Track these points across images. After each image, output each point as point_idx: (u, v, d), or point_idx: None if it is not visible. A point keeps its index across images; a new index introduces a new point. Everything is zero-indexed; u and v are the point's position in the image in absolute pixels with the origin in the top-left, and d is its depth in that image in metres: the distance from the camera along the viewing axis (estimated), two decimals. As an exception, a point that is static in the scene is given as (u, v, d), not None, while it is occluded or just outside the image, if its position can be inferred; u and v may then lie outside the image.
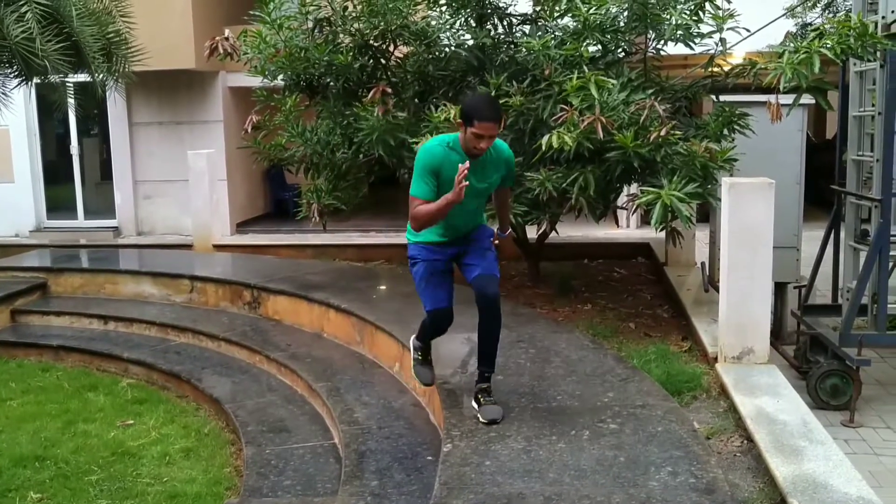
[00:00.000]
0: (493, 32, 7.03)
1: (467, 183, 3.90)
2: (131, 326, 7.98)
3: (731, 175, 6.05)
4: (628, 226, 10.90)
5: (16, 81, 9.14)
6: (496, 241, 4.55)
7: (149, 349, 7.35)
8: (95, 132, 12.45)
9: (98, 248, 10.72)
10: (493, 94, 6.13)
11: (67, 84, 9.41)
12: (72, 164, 12.18)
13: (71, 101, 9.62)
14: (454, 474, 3.72)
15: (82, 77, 9.19)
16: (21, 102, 10.99)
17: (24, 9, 7.79)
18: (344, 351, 6.58)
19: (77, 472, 5.28)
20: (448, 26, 7.09)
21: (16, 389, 6.84)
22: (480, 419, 4.30)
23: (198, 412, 6.27)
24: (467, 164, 3.92)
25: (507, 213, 4.83)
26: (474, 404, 4.44)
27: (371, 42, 7.01)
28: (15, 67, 8.59)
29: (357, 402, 5.46)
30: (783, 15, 10.24)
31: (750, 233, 5.22)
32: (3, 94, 9.32)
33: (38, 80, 9.17)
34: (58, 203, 12.23)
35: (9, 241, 11.36)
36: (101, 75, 8.87)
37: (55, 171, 12.27)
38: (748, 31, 6.32)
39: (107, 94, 9.66)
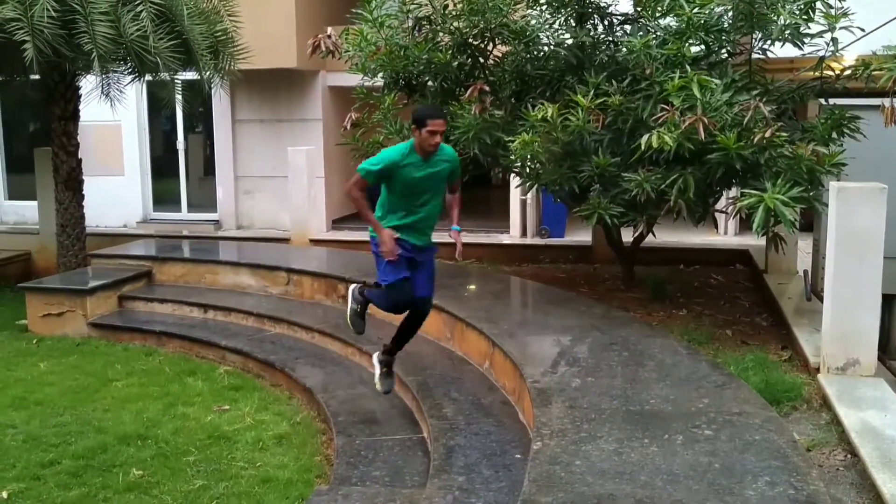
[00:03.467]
0: (592, 32, 6.96)
1: (397, 256, 4.93)
2: (229, 316, 8.23)
3: (839, 180, 5.81)
4: (727, 232, 10.61)
5: (129, 78, 9.60)
6: (452, 236, 5.23)
7: (245, 338, 7.57)
8: (200, 129, 12.90)
9: (200, 240, 11.13)
10: (591, 92, 6.08)
11: (176, 81, 9.81)
12: (177, 159, 12.65)
13: (179, 97, 10.04)
14: (544, 472, 3.69)
15: (190, 75, 9.57)
16: (133, 99, 11.51)
17: (139, 8, 8.16)
18: (434, 347, 6.62)
19: (176, 452, 5.48)
20: (547, 25, 7.06)
21: (121, 371, 7.16)
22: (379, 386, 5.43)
23: (291, 401, 6.42)
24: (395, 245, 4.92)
25: (457, 209, 5.38)
26: (377, 363, 5.48)
27: (470, 41, 7.04)
28: (129, 64, 9.03)
29: (446, 398, 5.48)
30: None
31: (858, 239, 5.02)
32: (117, 90, 9.80)
33: (150, 77, 9.61)
34: (163, 196, 12.73)
35: (118, 231, 11.89)
36: (208, 72, 9.22)
37: (161, 166, 12.77)
38: (863, 30, 6.06)
39: (212, 91, 10.04)
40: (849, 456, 4.21)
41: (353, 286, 5.52)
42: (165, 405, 6.32)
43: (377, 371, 5.48)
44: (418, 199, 5.07)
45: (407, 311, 5.32)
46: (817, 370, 5.21)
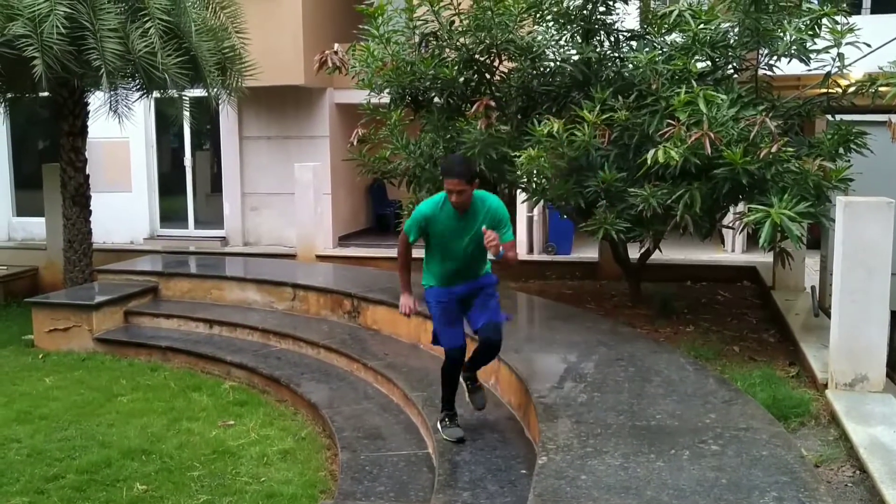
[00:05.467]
0: (599, 48, 6.97)
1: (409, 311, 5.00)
2: (235, 331, 8.22)
3: (846, 195, 5.80)
4: (734, 249, 10.59)
5: (137, 94, 9.65)
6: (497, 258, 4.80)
7: (251, 353, 7.56)
8: (207, 146, 12.95)
9: (206, 256, 11.12)
10: (597, 108, 6.08)
11: (184, 98, 9.86)
12: (185, 175, 12.69)
13: (186, 114, 10.09)
14: (549, 487, 3.66)
15: (198, 91, 9.62)
16: (141, 115, 11.56)
17: (147, 24, 8.22)
18: (440, 363, 6.57)
19: (180, 467, 5.46)
20: (554, 42, 7.08)
21: (126, 386, 7.15)
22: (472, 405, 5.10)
23: (296, 416, 6.40)
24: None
25: (510, 254, 4.86)
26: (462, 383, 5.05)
27: (476, 56, 7.06)
28: (137, 81, 9.08)
29: (452, 413, 5.44)
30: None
31: (866, 254, 4.99)
32: (126, 106, 9.85)
33: (158, 94, 9.66)
34: (170, 213, 12.77)
35: (125, 247, 11.94)
36: (216, 89, 9.26)
37: (169, 182, 12.82)
38: (869, 46, 6.06)
39: (220, 107, 10.09)
40: (857, 472, 4.17)
41: (435, 425, 5.14)
42: (170, 420, 6.31)
43: (465, 392, 5.14)
44: (456, 249, 4.82)
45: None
46: (825, 386, 5.17)
